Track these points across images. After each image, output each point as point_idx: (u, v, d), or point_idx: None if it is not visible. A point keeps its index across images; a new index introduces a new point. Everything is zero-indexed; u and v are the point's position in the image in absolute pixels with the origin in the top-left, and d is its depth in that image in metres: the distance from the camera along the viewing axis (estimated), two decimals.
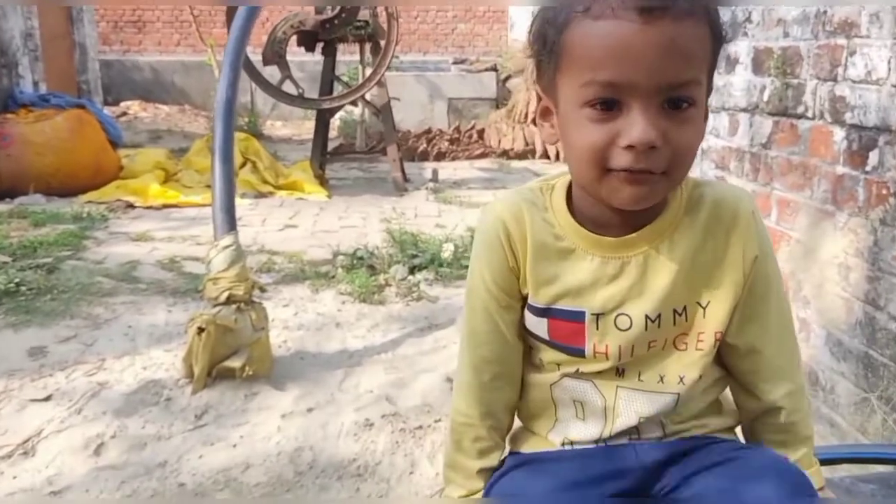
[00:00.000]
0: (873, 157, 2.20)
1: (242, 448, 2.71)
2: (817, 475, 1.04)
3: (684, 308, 0.99)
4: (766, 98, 2.71)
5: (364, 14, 6.55)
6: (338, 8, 6.32)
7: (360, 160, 8.02)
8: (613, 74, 0.86)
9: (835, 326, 2.39)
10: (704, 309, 1.00)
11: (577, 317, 1.01)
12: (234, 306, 3.12)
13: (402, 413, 2.92)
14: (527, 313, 1.05)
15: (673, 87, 0.87)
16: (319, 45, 6.68)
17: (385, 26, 6.58)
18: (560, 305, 1.01)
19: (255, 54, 7.11)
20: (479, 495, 1.10)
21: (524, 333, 1.07)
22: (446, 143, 8.99)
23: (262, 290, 3.34)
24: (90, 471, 2.58)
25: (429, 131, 9.29)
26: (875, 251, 2.20)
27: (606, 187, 0.91)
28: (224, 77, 3.39)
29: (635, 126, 0.86)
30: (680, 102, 0.88)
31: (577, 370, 1.03)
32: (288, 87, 6.57)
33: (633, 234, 0.98)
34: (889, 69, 2.12)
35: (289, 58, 6.60)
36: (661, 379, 1.01)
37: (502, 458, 1.12)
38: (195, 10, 11.12)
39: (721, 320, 1.00)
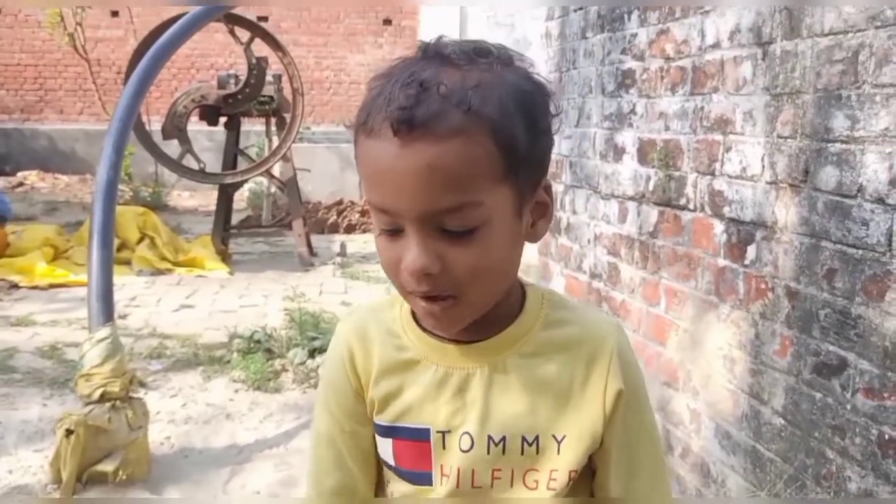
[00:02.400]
0: (751, 251, 2.23)
1: None
2: None
3: (536, 438, 0.90)
4: (651, 188, 2.74)
5: (269, 89, 6.49)
6: (241, 84, 6.25)
7: (266, 234, 7.85)
8: (381, 202, 0.81)
9: (723, 419, 2.37)
10: (559, 444, 0.90)
11: (422, 435, 0.91)
12: (108, 405, 2.91)
13: None
14: (376, 436, 0.96)
15: (439, 214, 0.79)
16: (223, 119, 6.57)
17: (290, 100, 6.53)
18: (404, 423, 0.92)
19: (157, 124, 6.97)
20: None
21: (380, 464, 0.98)
22: (357, 215, 8.92)
23: (142, 384, 3.14)
24: None
25: (340, 202, 9.22)
26: (757, 344, 2.21)
27: (414, 307, 0.87)
28: (105, 158, 3.25)
29: (408, 253, 0.80)
30: (454, 231, 0.80)
31: None
32: (189, 161, 6.41)
33: (478, 344, 0.90)
34: (763, 166, 2.17)
35: (197, 128, 6.47)
36: None
37: None
38: (98, 79, 10.87)
39: (577, 458, 0.90)
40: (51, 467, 2.89)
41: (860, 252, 1.83)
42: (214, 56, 12.18)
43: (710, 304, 2.43)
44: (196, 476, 3.06)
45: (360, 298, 5.76)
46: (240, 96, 6.25)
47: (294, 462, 3.20)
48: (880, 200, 1.77)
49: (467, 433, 0.90)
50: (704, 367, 2.46)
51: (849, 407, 1.87)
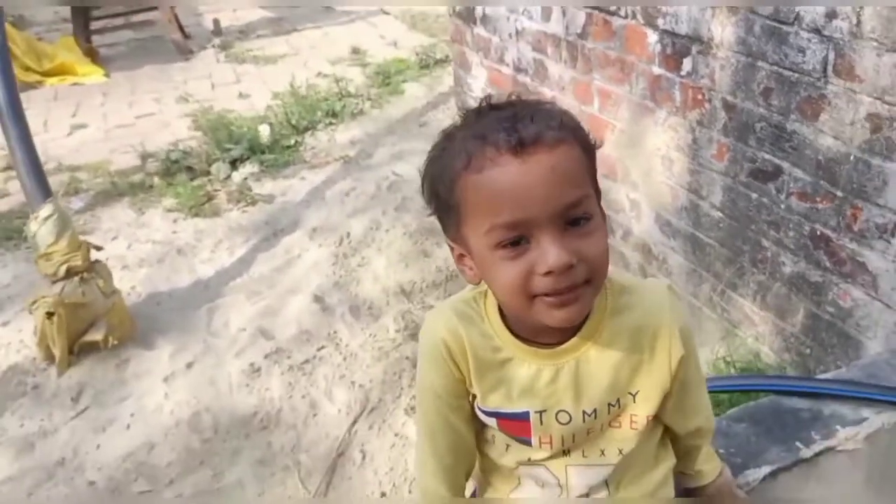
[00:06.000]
0: (687, 63, 2.39)
1: (137, 427, 2.72)
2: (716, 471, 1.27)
3: (617, 400, 1.12)
4: None
5: None
6: None
7: (125, 16, 7.20)
8: (511, 216, 0.93)
9: (663, 209, 2.69)
10: (634, 396, 1.12)
11: (522, 416, 1.12)
12: (76, 279, 2.96)
13: (283, 347, 3.00)
14: (477, 411, 1.17)
15: (568, 208, 0.93)
16: None
17: None
18: (506, 409, 1.12)
19: None
20: None
21: (475, 420, 1.19)
22: None
23: (98, 248, 3.15)
24: None
25: None
26: (695, 148, 2.46)
27: (537, 312, 0.99)
28: None
29: (549, 254, 0.93)
30: (579, 220, 0.95)
31: (529, 459, 1.17)
32: None
33: (565, 344, 1.08)
34: None
35: None
36: (603, 452, 1.15)
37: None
38: None
39: (652, 406, 1.13)
40: (38, 347, 2.99)
41: (796, 75, 2.04)
42: None
43: (646, 109, 2.63)
44: (178, 322, 3.23)
45: (256, 87, 5.61)
46: None
47: (263, 290, 3.39)
48: (816, 31, 1.94)
49: (564, 411, 1.10)
50: (643, 164, 2.72)
51: (783, 207, 2.20)
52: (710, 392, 1.60)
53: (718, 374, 2.27)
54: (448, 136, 1.00)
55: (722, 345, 2.46)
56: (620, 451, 1.15)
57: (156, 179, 4.36)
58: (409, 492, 2.41)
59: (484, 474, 1.28)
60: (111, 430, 2.72)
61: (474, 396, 1.15)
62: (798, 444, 1.56)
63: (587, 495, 1.19)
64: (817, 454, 1.54)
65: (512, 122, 0.93)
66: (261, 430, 2.67)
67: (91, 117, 5.32)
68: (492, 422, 1.14)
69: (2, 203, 4.31)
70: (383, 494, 2.41)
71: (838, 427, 1.53)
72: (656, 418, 1.19)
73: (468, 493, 1.29)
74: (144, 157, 4.61)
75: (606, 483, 1.19)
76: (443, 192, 0.98)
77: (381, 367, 2.86)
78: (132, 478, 2.54)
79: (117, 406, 2.83)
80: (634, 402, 1.13)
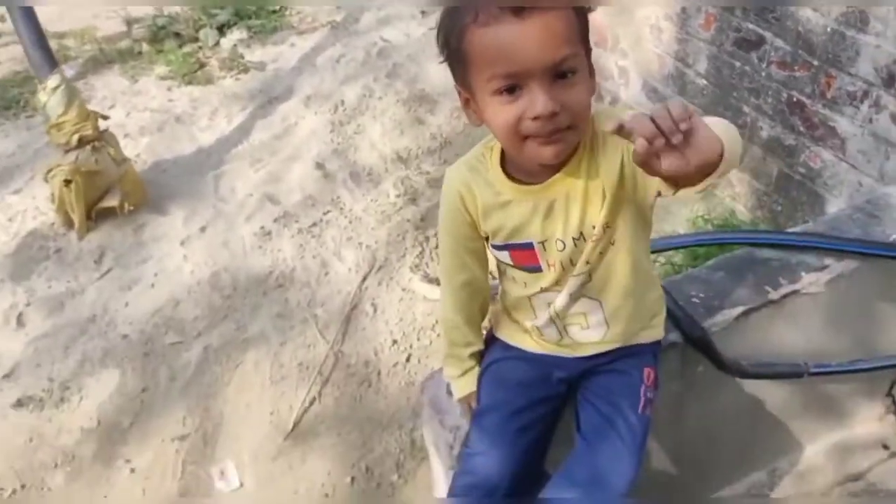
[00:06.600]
0: None
1: (162, 286, 2.93)
2: None
3: (605, 226, 1.28)
4: None
5: None
6: None
7: None
8: (508, 67, 1.10)
9: (650, 76, 2.84)
10: (603, 201, 1.26)
11: (528, 246, 1.33)
12: (88, 147, 3.08)
13: (290, 212, 3.18)
14: (492, 250, 1.39)
15: (557, 64, 1.08)
16: None
17: None
18: (513, 241, 1.33)
19: None
20: (475, 371, 1.53)
21: (497, 261, 1.42)
22: None
23: (105, 118, 3.25)
24: (27, 345, 2.74)
25: None
26: (683, 17, 2.59)
27: (528, 152, 1.17)
28: None
29: (537, 101, 1.10)
30: (566, 73, 1.12)
31: (541, 288, 1.40)
32: None
33: (551, 179, 1.26)
34: None
35: None
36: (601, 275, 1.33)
37: (485, 338, 1.53)
38: None
39: (604, 215, 1.26)
40: (57, 213, 3.15)
41: None
42: None
43: None
44: (184, 188, 3.38)
45: None
46: None
47: (265, 157, 3.53)
48: None
49: (559, 239, 1.30)
50: (633, 33, 2.85)
51: (764, 75, 2.37)
52: (689, 246, 1.81)
53: (697, 230, 2.51)
54: None
55: (701, 204, 2.69)
56: (588, 262, 1.30)
57: (144, 46, 4.37)
58: (418, 339, 2.68)
59: (507, 311, 1.51)
60: (137, 289, 2.93)
61: (486, 239, 1.35)
62: (767, 287, 1.79)
63: (585, 317, 1.38)
64: (784, 296, 1.76)
65: None
66: (277, 288, 2.90)
67: None
68: (505, 256, 1.34)
69: None
70: (395, 342, 2.67)
71: (803, 273, 1.72)
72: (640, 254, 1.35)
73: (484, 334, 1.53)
74: (130, 22, 4.59)
75: (606, 321, 1.41)
76: (453, 42, 1.14)
77: (385, 230, 3.07)
78: (162, 331, 2.77)
79: (139, 267, 3.02)
80: (599, 213, 1.26)
